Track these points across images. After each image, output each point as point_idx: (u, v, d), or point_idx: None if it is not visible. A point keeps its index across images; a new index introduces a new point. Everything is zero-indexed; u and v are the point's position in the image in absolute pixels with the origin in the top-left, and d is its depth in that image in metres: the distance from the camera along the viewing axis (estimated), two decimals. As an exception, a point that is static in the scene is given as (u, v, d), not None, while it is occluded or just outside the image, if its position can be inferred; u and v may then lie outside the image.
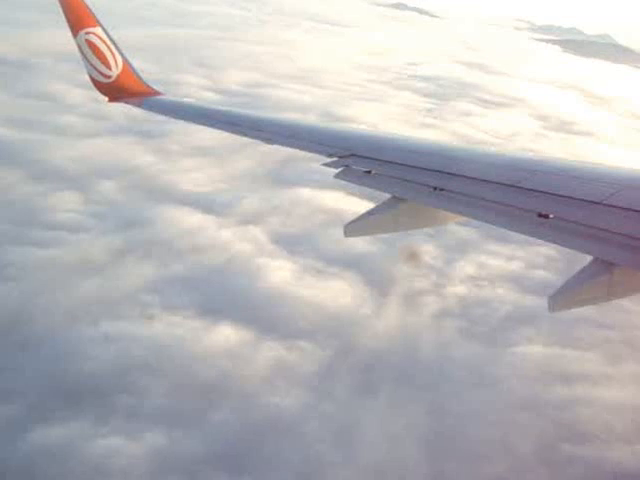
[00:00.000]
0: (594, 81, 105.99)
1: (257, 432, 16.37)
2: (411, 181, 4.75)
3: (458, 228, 31.34)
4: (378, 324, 22.13)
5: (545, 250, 30.25)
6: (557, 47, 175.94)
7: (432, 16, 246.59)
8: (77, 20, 6.96)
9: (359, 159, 5.23)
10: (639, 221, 3.64)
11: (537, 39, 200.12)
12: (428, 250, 28.53)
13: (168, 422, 16.45)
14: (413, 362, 19.99)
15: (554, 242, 3.79)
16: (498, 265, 28.68)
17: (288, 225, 29.64)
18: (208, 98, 47.69)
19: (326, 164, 5.25)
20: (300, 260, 26.09)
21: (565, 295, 3.54)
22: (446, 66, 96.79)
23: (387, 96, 63.85)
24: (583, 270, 3.58)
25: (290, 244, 27.41)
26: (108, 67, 7.26)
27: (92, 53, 7.13)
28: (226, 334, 20.33)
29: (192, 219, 28.29)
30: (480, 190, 4.38)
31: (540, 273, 28.00)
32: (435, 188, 4.54)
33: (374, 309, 23.09)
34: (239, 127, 6.44)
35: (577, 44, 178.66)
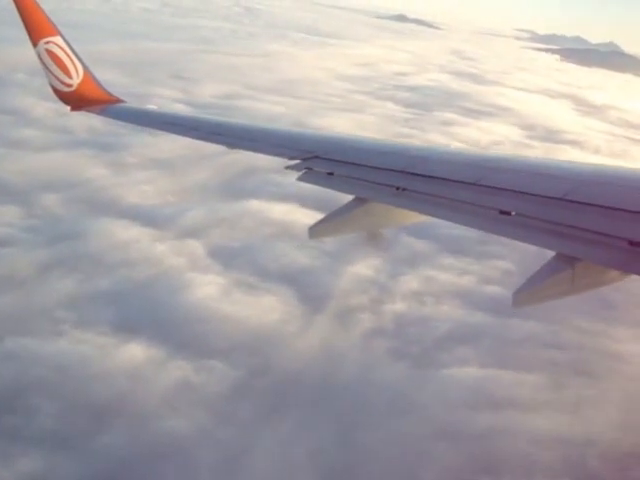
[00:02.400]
0: (590, 90, 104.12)
1: (143, 456, 15.41)
2: (374, 182, 4.74)
3: (412, 240, 30.17)
4: (302, 343, 20.97)
5: (502, 264, 28.81)
6: (556, 56, 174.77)
7: (431, 27, 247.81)
8: (36, 30, 6.93)
9: (322, 161, 5.19)
10: (599, 215, 3.67)
11: (537, 49, 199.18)
12: (374, 264, 27.39)
13: (51, 445, 15.55)
14: (331, 385, 18.78)
15: (516, 239, 3.80)
16: (448, 279, 27.29)
17: (230, 238, 28.79)
18: (178, 110, 47.63)
19: (288, 167, 5.19)
20: (234, 275, 25.15)
21: (528, 291, 3.56)
22: (435, 76, 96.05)
23: (367, 106, 63.05)
24: (546, 265, 3.64)
25: (228, 258, 26.52)
26: (69, 76, 7.26)
27: (53, 62, 7.11)
28: (134, 352, 19.43)
29: (129, 232, 27.59)
30: (442, 189, 4.39)
31: (492, 289, 26.52)
32: (398, 188, 4.55)
33: (302, 327, 21.94)
34: (200, 132, 6.36)
35: (579, 53, 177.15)
